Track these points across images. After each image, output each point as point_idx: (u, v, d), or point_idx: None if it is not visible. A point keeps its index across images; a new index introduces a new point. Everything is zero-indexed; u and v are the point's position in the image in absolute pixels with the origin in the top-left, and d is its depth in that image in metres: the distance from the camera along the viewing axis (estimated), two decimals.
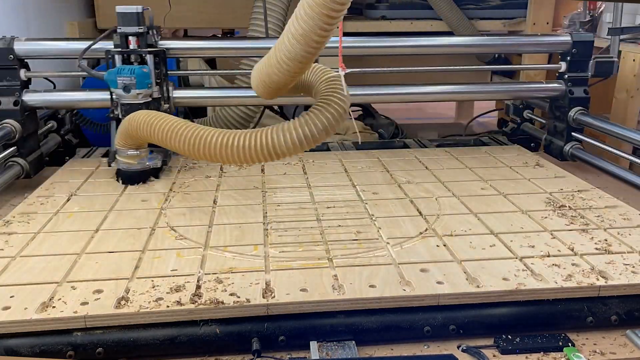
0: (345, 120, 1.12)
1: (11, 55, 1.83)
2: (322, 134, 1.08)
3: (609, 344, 1.04)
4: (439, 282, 1.10)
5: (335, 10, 0.92)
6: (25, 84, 1.89)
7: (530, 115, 2.33)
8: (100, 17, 2.82)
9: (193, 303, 1.03)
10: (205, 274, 1.15)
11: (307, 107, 2.82)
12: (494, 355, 1.00)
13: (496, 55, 2.79)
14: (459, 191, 1.63)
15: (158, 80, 1.84)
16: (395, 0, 2.74)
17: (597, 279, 1.12)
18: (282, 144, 1.07)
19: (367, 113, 2.82)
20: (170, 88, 1.92)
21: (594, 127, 1.93)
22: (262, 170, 1.85)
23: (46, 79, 2.09)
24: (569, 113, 2.02)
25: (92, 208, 1.52)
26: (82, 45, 1.97)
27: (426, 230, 1.37)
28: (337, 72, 1.13)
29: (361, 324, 1.04)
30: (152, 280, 1.12)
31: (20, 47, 1.84)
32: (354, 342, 1.02)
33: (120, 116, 1.73)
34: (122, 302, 1.04)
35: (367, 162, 1.92)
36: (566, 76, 2.05)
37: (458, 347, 1.03)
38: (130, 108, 1.70)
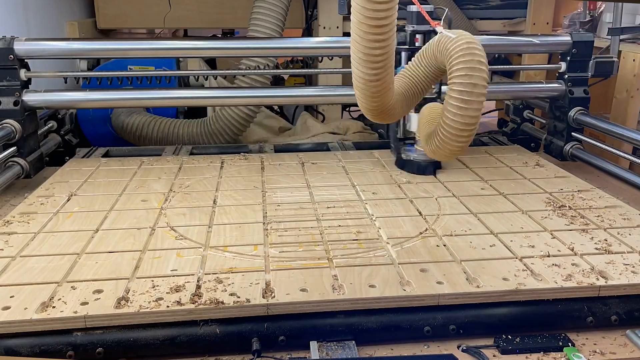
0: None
1: (11, 55, 1.83)
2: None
3: (609, 344, 1.04)
4: (439, 282, 1.10)
5: (380, 18, 0.94)
6: (25, 84, 1.89)
7: (530, 115, 2.34)
8: (100, 17, 2.83)
9: (193, 303, 1.03)
10: (205, 274, 1.15)
11: (307, 106, 2.83)
12: (494, 355, 1.00)
13: (496, 55, 2.79)
14: (459, 191, 1.63)
15: None
16: None
17: (597, 279, 1.12)
18: None
19: None
20: None
21: (594, 127, 1.93)
22: (262, 170, 1.85)
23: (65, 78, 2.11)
24: (569, 113, 2.02)
25: (92, 208, 1.52)
26: (81, 45, 1.98)
27: (426, 230, 1.37)
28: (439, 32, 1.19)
29: (361, 324, 1.04)
30: (152, 280, 1.12)
31: (20, 47, 1.84)
32: (354, 342, 1.02)
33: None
34: (122, 302, 1.04)
35: (367, 162, 1.92)
36: (566, 76, 2.05)
37: (458, 347, 1.03)
38: (423, 101, 1.65)
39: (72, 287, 1.09)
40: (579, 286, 1.09)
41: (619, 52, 2.25)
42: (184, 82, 2.47)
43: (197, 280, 1.11)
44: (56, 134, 2.13)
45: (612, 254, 1.23)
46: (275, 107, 3.00)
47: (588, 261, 1.19)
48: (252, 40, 2.21)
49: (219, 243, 1.29)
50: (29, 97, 1.87)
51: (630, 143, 1.81)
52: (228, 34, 3.31)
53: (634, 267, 1.17)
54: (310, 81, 2.94)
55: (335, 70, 2.18)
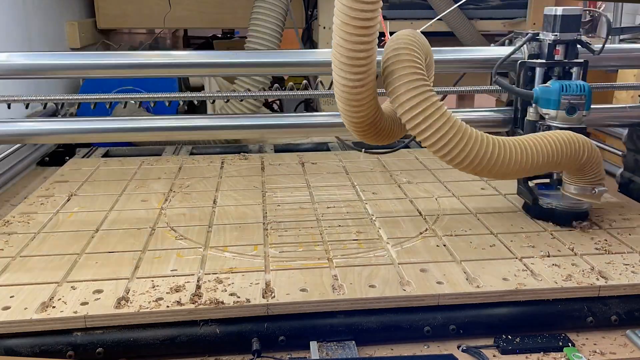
0: None
1: None
2: None
3: (609, 344, 1.04)
4: (439, 282, 1.10)
5: (365, 19, 0.95)
6: None
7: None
8: (100, 17, 2.83)
9: (193, 303, 1.03)
10: (205, 274, 1.15)
11: (307, 106, 2.83)
12: (494, 355, 1.00)
13: None
14: (459, 191, 1.63)
15: None
16: (395, 0, 2.74)
17: (597, 279, 1.12)
18: None
19: None
20: None
21: None
22: (262, 170, 1.85)
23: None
24: None
25: (92, 208, 1.52)
26: (46, 60, 1.46)
27: (426, 230, 1.37)
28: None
29: (361, 324, 1.04)
30: (152, 280, 1.12)
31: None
32: (354, 342, 1.02)
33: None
34: (122, 302, 1.04)
35: (367, 162, 1.92)
36: None
37: (458, 347, 1.03)
38: None
39: (72, 287, 1.09)
40: (579, 286, 1.09)
41: None
42: (184, 84, 2.47)
43: (197, 280, 1.11)
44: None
45: (612, 254, 1.23)
46: (275, 107, 3.00)
47: (588, 261, 1.19)
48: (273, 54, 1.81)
49: (219, 243, 1.29)
50: None
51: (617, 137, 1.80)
52: (228, 34, 3.31)
53: (634, 267, 1.17)
54: (309, 83, 2.93)
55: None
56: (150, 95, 1.55)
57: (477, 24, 2.72)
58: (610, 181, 1.79)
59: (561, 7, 1.42)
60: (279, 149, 2.17)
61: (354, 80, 1.03)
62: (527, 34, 1.46)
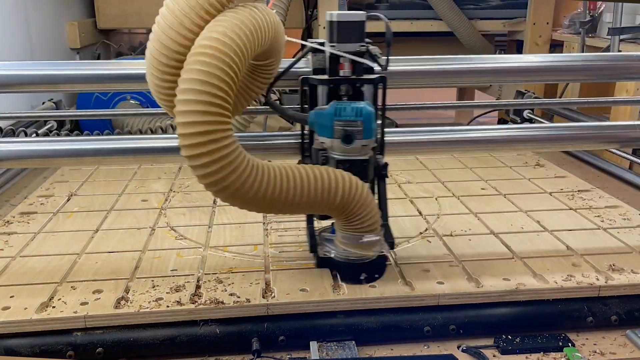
0: None
1: None
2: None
3: (609, 344, 1.04)
4: (439, 282, 1.10)
5: None
6: None
7: (530, 115, 2.33)
8: (100, 17, 2.83)
9: (193, 303, 1.03)
10: (205, 274, 1.15)
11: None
12: (494, 355, 1.00)
13: (497, 52, 2.79)
14: (459, 191, 1.63)
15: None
16: (395, 0, 2.74)
17: (597, 279, 1.12)
18: None
19: None
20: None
21: None
22: None
23: None
24: None
25: (92, 208, 1.52)
26: (46, 71, 1.18)
27: (426, 230, 1.37)
28: None
29: (361, 324, 1.04)
30: (152, 280, 1.12)
31: None
32: (354, 342, 1.02)
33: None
34: (122, 302, 1.04)
35: None
36: None
37: (458, 347, 1.03)
38: (350, 166, 1.07)
39: (72, 287, 1.09)
40: (579, 286, 1.09)
41: (619, 52, 2.25)
42: None
43: (197, 280, 1.11)
44: (56, 134, 2.13)
45: (612, 254, 1.23)
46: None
47: (588, 261, 1.19)
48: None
49: (219, 243, 1.29)
50: None
51: None
52: None
53: (633, 267, 1.17)
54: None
55: None
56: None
57: (477, 24, 2.72)
58: (613, 182, 1.79)
59: (338, 12, 1.10)
60: None
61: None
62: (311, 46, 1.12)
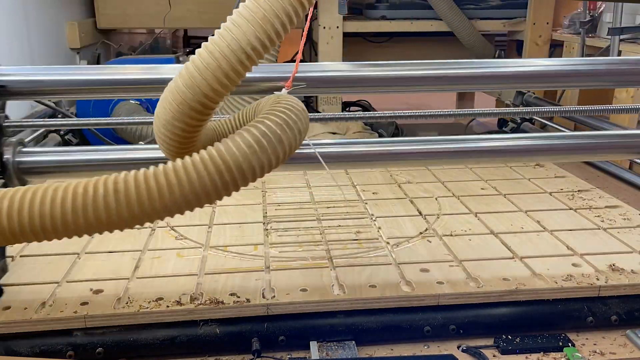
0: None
1: None
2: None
3: (609, 344, 1.04)
4: (439, 282, 1.10)
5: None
6: None
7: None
8: (100, 17, 2.82)
9: (193, 303, 1.03)
10: (205, 274, 1.15)
11: (306, 106, 2.83)
12: (494, 355, 1.00)
13: (496, 54, 2.79)
14: (459, 191, 1.63)
15: None
16: (395, 0, 2.74)
17: (597, 279, 1.12)
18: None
19: None
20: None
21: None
22: None
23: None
24: None
25: None
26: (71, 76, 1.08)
27: (426, 230, 1.37)
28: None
29: (361, 324, 1.04)
30: (152, 280, 1.12)
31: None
32: (354, 342, 1.02)
33: None
34: (122, 302, 1.04)
35: None
36: None
37: (458, 347, 1.03)
38: None
39: (72, 287, 1.09)
40: (579, 286, 1.09)
41: (619, 52, 2.25)
42: None
43: (197, 280, 1.11)
44: (56, 134, 2.13)
45: (612, 254, 1.23)
46: None
47: (588, 261, 1.19)
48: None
49: (219, 243, 1.29)
50: None
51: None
52: None
53: (634, 267, 1.17)
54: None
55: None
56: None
57: (477, 24, 2.72)
58: (613, 182, 1.79)
59: None
60: None
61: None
62: None
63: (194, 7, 2.84)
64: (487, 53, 2.77)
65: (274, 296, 1.05)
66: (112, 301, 1.04)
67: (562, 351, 1.00)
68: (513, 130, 2.38)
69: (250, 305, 1.03)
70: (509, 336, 1.04)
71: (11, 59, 2.07)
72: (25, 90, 1.05)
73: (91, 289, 1.08)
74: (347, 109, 3.04)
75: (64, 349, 0.98)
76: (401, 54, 2.92)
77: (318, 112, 2.80)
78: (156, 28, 3.14)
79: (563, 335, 1.05)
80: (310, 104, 2.85)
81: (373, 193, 1.62)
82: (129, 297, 1.05)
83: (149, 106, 2.47)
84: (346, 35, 2.55)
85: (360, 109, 2.79)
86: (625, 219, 1.43)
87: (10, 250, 1.26)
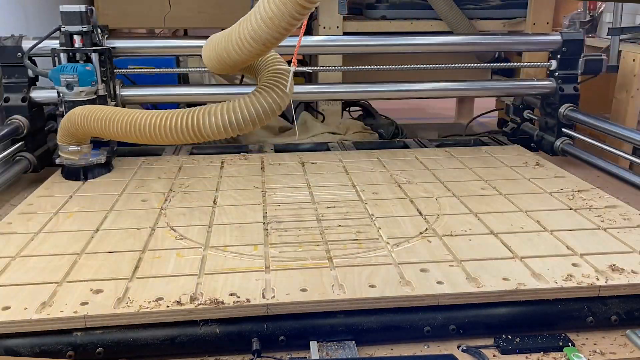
0: (277, 115, 1.08)
1: (19, 53, 1.86)
2: (249, 125, 1.07)
3: (609, 344, 1.04)
4: (439, 282, 1.10)
5: (311, 2, 0.92)
6: (33, 81, 1.93)
7: (530, 115, 2.33)
8: (100, 17, 2.82)
9: (193, 303, 1.03)
10: (205, 274, 1.15)
11: (307, 106, 2.83)
12: (494, 355, 1.00)
13: (496, 55, 2.79)
14: (459, 191, 1.63)
15: (104, 78, 1.86)
16: (395, 0, 2.74)
17: (597, 279, 1.12)
18: (207, 127, 1.07)
19: (367, 113, 2.82)
20: (118, 86, 1.94)
21: (583, 122, 2.01)
22: (262, 170, 1.85)
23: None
24: (559, 109, 2.09)
25: (92, 208, 1.52)
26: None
27: (426, 230, 1.37)
28: (289, 66, 1.10)
29: (361, 324, 1.04)
30: (152, 280, 1.12)
31: (28, 45, 1.87)
32: (354, 342, 1.02)
33: (64, 113, 1.76)
34: (122, 302, 1.04)
35: (367, 162, 1.92)
36: (557, 74, 2.12)
37: (458, 347, 1.03)
38: (73, 105, 1.70)
39: (72, 287, 1.09)
40: (579, 286, 1.09)
41: (619, 52, 2.25)
42: (183, 81, 2.47)
43: (197, 280, 1.11)
44: (56, 134, 2.13)
45: (612, 254, 1.23)
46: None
47: (588, 261, 1.19)
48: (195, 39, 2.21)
49: (219, 243, 1.29)
50: (36, 94, 1.91)
51: (612, 136, 1.86)
52: None
53: (633, 267, 1.17)
54: (310, 79, 2.94)
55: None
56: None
57: (477, 24, 2.71)
58: (613, 182, 1.79)
59: (65, 6, 1.78)
60: (279, 149, 2.17)
61: (268, 39, 1.01)
62: (59, 26, 1.79)
63: (194, 7, 2.84)
64: (487, 54, 2.77)
65: (274, 296, 1.05)
66: (112, 301, 1.04)
67: (562, 351, 1.00)
68: (513, 130, 2.38)
69: (250, 305, 1.03)
70: (509, 336, 1.04)
71: None
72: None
73: (91, 289, 1.08)
74: (347, 109, 3.05)
75: (64, 349, 0.98)
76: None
77: (318, 112, 2.81)
78: (156, 28, 3.14)
79: (563, 335, 1.05)
80: (310, 104, 2.85)
81: (373, 193, 1.62)
82: (129, 297, 1.05)
83: (149, 106, 2.48)
84: (346, 35, 2.55)
85: (360, 109, 2.79)
86: (625, 219, 1.43)
87: (10, 250, 1.26)
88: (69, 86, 1.74)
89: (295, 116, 2.83)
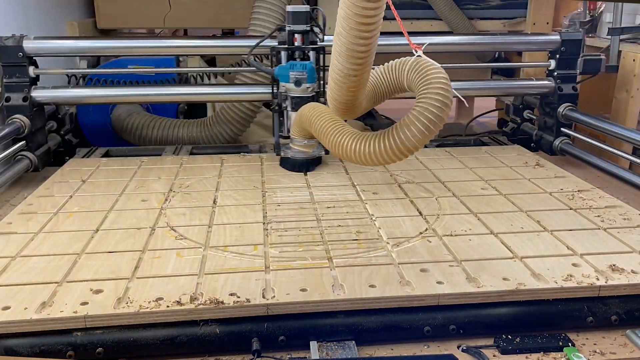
0: (449, 107, 1.10)
1: (20, 53, 1.88)
2: (425, 137, 1.10)
3: (609, 344, 1.04)
4: (439, 282, 1.10)
5: (368, 17, 0.94)
6: (34, 81, 1.94)
7: (530, 115, 2.33)
8: (100, 17, 2.82)
9: (193, 303, 1.03)
10: (205, 274, 1.14)
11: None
12: (494, 355, 1.00)
13: (496, 55, 2.79)
14: (459, 191, 1.63)
15: (317, 76, 1.94)
16: (395, 1, 2.74)
17: (597, 279, 1.12)
18: (392, 149, 1.12)
19: (367, 113, 2.81)
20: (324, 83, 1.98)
21: (582, 122, 2.01)
22: (262, 170, 1.85)
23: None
24: (558, 109, 2.10)
25: (92, 208, 1.52)
26: (87, 43, 2.05)
27: (426, 230, 1.37)
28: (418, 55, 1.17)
29: (361, 324, 1.04)
30: (152, 280, 1.12)
31: (29, 45, 1.90)
32: (354, 342, 1.02)
33: (289, 109, 1.88)
34: (122, 302, 1.04)
35: None
36: (555, 73, 2.12)
37: (458, 347, 1.03)
38: (300, 101, 1.81)
39: (72, 287, 1.09)
40: (579, 286, 1.09)
41: (619, 52, 2.26)
42: (183, 81, 2.47)
43: (197, 280, 1.11)
44: (56, 134, 2.13)
45: (612, 254, 1.23)
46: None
47: (588, 261, 1.19)
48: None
49: (219, 243, 1.29)
50: (37, 94, 1.93)
51: (612, 136, 1.86)
52: (228, 34, 3.31)
53: (634, 267, 1.17)
54: None
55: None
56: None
57: (477, 24, 2.72)
58: (613, 182, 1.79)
59: (291, 6, 1.89)
60: None
61: (351, 70, 1.05)
62: (281, 26, 1.94)
63: (194, 7, 2.84)
64: (487, 53, 2.77)
65: (274, 296, 1.05)
66: (112, 301, 1.04)
67: (562, 351, 1.00)
68: (513, 130, 2.38)
69: (250, 305, 1.03)
70: (509, 336, 1.04)
71: None
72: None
73: (91, 289, 1.08)
74: None
75: (64, 349, 0.98)
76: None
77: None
78: (156, 28, 3.14)
79: (563, 335, 1.05)
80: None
81: (373, 193, 1.62)
82: (129, 297, 1.05)
83: (149, 106, 2.48)
84: None
85: None
86: (625, 219, 1.43)
87: (10, 250, 1.26)
88: (298, 83, 1.82)
89: None
